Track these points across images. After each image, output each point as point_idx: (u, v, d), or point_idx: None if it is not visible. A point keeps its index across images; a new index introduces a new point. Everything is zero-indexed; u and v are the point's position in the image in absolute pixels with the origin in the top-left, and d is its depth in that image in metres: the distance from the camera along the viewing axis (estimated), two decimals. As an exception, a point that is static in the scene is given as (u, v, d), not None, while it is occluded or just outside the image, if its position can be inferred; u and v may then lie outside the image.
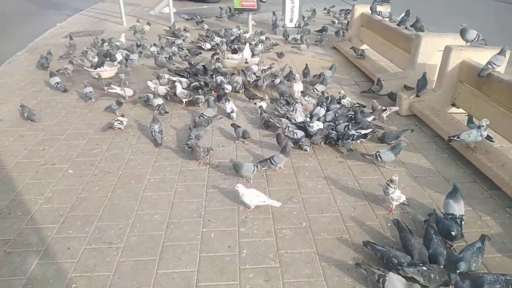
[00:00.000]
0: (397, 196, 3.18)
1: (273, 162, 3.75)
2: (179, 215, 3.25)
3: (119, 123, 4.58)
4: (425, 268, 2.49)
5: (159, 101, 5.07)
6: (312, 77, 5.94)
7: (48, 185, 3.67)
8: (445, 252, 2.68)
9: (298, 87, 5.33)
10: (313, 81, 5.76)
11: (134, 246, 2.94)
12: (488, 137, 3.95)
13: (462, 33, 4.75)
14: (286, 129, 4.35)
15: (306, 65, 6.27)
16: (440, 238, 2.79)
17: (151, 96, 5.17)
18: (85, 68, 6.34)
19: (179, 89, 5.20)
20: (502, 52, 4.17)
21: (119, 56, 6.56)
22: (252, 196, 3.25)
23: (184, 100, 5.22)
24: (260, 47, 7.26)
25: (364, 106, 4.96)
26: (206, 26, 9.24)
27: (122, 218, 3.23)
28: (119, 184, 3.68)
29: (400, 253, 2.67)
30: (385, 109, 4.73)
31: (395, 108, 4.88)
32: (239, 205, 3.36)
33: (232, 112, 4.89)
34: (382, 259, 2.69)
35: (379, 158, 3.83)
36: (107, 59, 6.34)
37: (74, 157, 4.14)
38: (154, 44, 7.60)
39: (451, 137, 3.89)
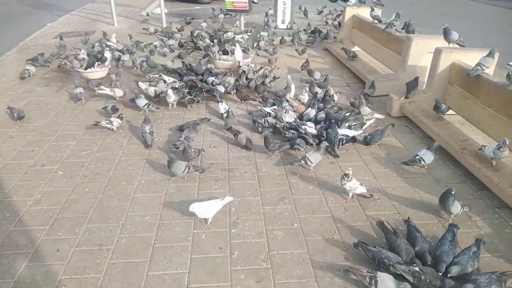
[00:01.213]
0: (350, 186, 3.32)
1: (308, 161, 3.76)
2: (170, 217, 3.23)
3: (107, 123, 4.53)
4: (417, 269, 2.50)
5: (143, 101, 5.02)
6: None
7: (37, 187, 3.63)
8: (428, 247, 2.75)
9: (292, 88, 5.36)
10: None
11: (124, 247, 2.92)
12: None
13: (446, 33, 4.80)
14: (284, 128, 4.37)
15: (307, 60, 6.49)
16: (423, 235, 2.85)
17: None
18: (75, 69, 6.29)
19: (171, 97, 5.13)
20: (490, 54, 4.22)
21: (108, 54, 6.50)
22: (210, 208, 3.12)
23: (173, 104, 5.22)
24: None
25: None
26: (204, 25, 9.17)
27: (112, 220, 3.20)
28: (110, 186, 3.65)
29: (392, 254, 2.68)
30: (362, 101, 4.80)
31: (380, 116, 4.76)
32: (231, 206, 3.35)
33: (226, 112, 4.87)
34: (373, 260, 2.69)
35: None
36: (98, 61, 6.28)
37: (64, 158, 4.10)
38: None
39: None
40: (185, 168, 3.61)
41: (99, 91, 5.50)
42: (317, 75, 5.58)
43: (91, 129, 4.68)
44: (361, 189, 3.37)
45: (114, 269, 2.73)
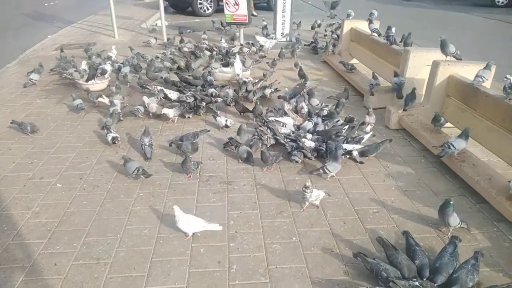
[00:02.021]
0: (315, 196, 3.40)
1: (326, 171, 3.84)
2: (169, 230, 3.23)
3: (109, 134, 4.55)
4: (417, 283, 2.49)
5: (118, 109, 5.18)
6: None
7: (35, 199, 3.63)
8: (428, 261, 2.74)
9: (287, 105, 5.35)
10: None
11: (122, 261, 2.91)
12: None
13: (443, 45, 4.85)
14: (284, 140, 4.40)
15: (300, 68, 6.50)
16: (422, 249, 2.84)
17: (139, 108, 5.25)
18: (76, 80, 6.33)
19: (171, 115, 5.14)
20: (487, 67, 4.26)
21: (108, 67, 6.54)
22: (190, 222, 3.09)
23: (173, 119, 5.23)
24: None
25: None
26: (205, 36, 9.23)
27: (110, 233, 3.19)
28: (108, 198, 3.64)
29: (391, 267, 2.67)
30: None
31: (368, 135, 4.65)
32: (229, 220, 3.34)
33: (226, 123, 4.93)
34: (371, 272, 2.68)
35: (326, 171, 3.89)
36: (99, 73, 6.32)
37: (63, 170, 4.10)
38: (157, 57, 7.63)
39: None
40: (135, 170, 3.80)
41: (100, 99, 5.52)
42: (314, 101, 5.53)
43: (91, 141, 4.69)
44: (322, 194, 3.47)
45: (111, 284, 2.71)
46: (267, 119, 4.87)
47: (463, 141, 3.88)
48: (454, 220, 3.09)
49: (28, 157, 4.35)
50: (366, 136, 4.46)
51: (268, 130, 4.57)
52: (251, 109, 5.32)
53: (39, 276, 2.78)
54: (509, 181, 3.35)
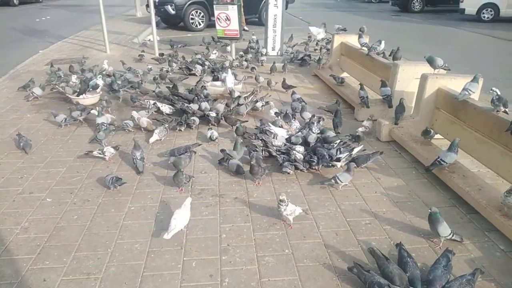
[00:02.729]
0: (291, 210, 3.34)
1: (338, 181, 3.91)
2: (160, 244, 3.19)
3: (99, 153, 4.50)
4: None
5: (103, 119, 5.16)
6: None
7: (25, 215, 3.58)
8: (420, 274, 2.74)
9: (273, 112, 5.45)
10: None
11: (113, 276, 2.87)
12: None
13: (430, 61, 4.95)
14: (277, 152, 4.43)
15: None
16: (414, 260, 2.84)
17: (128, 122, 5.26)
18: (67, 95, 6.31)
19: (154, 137, 5.01)
20: (475, 80, 4.34)
21: (100, 82, 6.54)
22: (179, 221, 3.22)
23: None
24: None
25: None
26: (198, 56, 9.19)
27: (101, 248, 3.15)
28: (99, 213, 3.61)
29: (384, 280, 2.66)
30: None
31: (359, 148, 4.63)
32: (221, 233, 3.33)
33: (211, 136, 4.93)
34: (365, 284, 2.68)
35: (338, 181, 3.95)
36: (90, 88, 6.31)
37: (53, 185, 4.06)
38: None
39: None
40: (110, 179, 3.87)
41: (92, 111, 5.50)
42: (306, 115, 5.58)
43: (81, 156, 4.66)
44: (298, 210, 3.41)
45: (102, 299, 2.67)
46: (263, 127, 4.93)
47: (454, 154, 3.91)
48: (444, 229, 3.11)
49: (17, 172, 4.30)
50: (357, 149, 4.49)
51: (260, 142, 4.59)
52: (241, 121, 5.34)
53: (27, 292, 2.73)
54: (503, 198, 3.27)
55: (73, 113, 5.49)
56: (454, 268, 2.87)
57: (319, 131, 4.92)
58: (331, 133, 4.91)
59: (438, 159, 3.95)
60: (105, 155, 4.51)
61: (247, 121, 5.48)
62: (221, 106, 5.72)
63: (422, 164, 4.38)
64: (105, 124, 5.04)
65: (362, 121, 5.44)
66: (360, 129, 4.98)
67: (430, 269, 2.76)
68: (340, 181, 3.94)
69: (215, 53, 9.32)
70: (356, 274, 2.76)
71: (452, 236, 3.15)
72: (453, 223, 3.45)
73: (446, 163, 3.92)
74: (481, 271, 2.74)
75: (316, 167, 4.28)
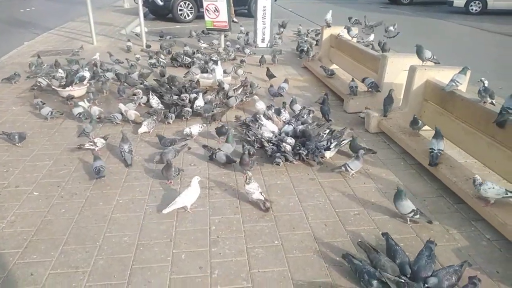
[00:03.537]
0: (249, 188, 3.50)
1: (348, 168, 3.99)
2: (149, 237, 3.18)
3: (91, 145, 4.45)
4: (402, 280, 2.52)
5: (80, 109, 5.19)
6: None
7: (11, 208, 3.52)
8: (408, 260, 2.79)
9: (260, 105, 5.39)
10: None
11: (101, 269, 2.85)
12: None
13: (418, 51, 4.97)
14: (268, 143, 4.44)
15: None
16: (402, 248, 2.88)
17: (116, 115, 5.21)
18: (53, 87, 6.21)
19: (143, 128, 4.93)
20: (463, 72, 4.37)
21: (87, 74, 6.44)
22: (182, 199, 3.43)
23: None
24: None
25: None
26: (187, 48, 9.07)
27: (89, 241, 3.12)
28: (87, 206, 3.57)
29: (373, 269, 2.68)
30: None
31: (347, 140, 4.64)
32: (211, 225, 3.32)
33: (190, 130, 4.78)
34: (355, 273, 2.71)
35: (348, 169, 4.02)
36: (77, 79, 6.22)
37: (39, 178, 4.00)
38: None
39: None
40: (94, 168, 3.92)
41: (79, 103, 5.43)
42: (296, 107, 5.56)
43: (68, 148, 4.60)
44: (258, 196, 3.49)
45: (90, 292, 2.65)
46: (257, 117, 4.95)
47: (441, 141, 4.00)
48: (402, 207, 3.31)
49: (3, 166, 4.24)
50: (346, 141, 4.51)
51: (250, 133, 4.59)
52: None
53: (14, 287, 2.69)
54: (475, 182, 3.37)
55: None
56: (441, 258, 2.91)
57: (311, 123, 4.93)
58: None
59: (433, 150, 3.98)
60: (97, 146, 4.47)
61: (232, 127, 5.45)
62: (210, 98, 5.67)
63: (410, 155, 4.42)
64: (82, 114, 5.13)
65: (351, 113, 5.46)
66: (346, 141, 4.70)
67: (415, 260, 2.79)
68: (351, 168, 4.00)
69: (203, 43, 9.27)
70: (348, 262, 2.79)
71: (414, 215, 3.28)
72: (441, 213, 3.49)
73: (442, 150, 3.99)
74: (469, 264, 2.77)
75: (306, 158, 4.28)
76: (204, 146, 4.48)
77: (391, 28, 7.47)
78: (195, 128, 4.81)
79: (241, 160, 4.02)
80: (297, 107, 5.46)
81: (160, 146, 4.56)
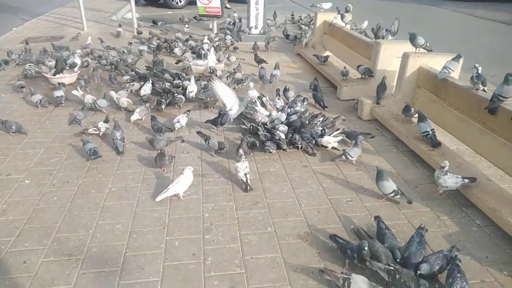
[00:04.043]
0: (240, 166, 3.62)
1: (348, 156, 4.01)
2: (142, 224, 3.18)
3: (95, 130, 4.47)
4: (392, 268, 2.55)
5: (60, 93, 5.29)
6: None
7: (2, 197, 3.50)
8: (397, 244, 2.84)
9: (253, 93, 5.32)
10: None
11: (94, 257, 2.85)
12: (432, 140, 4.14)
13: (412, 39, 4.96)
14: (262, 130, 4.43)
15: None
16: (392, 232, 2.92)
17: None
18: (43, 74, 6.13)
19: (135, 116, 4.86)
20: (456, 59, 4.37)
21: (77, 60, 6.36)
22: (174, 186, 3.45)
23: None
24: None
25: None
26: (179, 34, 8.91)
27: (82, 229, 3.12)
28: (79, 194, 3.55)
29: (355, 245, 2.73)
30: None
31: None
32: (204, 213, 3.32)
33: (178, 122, 4.66)
34: (340, 251, 2.79)
35: (349, 157, 4.03)
36: (68, 66, 6.14)
37: (31, 166, 3.97)
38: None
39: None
40: (88, 150, 4.00)
41: (73, 92, 5.37)
42: (290, 94, 5.53)
43: (60, 136, 4.56)
44: (241, 176, 3.61)
45: (84, 280, 2.65)
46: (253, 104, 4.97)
47: (428, 121, 4.12)
48: (385, 187, 3.41)
49: (-7, 154, 4.20)
50: (339, 130, 4.54)
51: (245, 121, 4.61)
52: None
53: (6, 274, 2.68)
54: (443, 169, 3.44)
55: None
56: (432, 243, 2.95)
57: (304, 110, 4.92)
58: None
59: (429, 133, 4.08)
60: (100, 131, 4.49)
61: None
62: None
63: (403, 142, 4.44)
64: (60, 98, 5.26)
65: (344, 100, 5.46)
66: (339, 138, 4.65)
67: (406, 246, 2.82)
68: (351, 156, 4.02)
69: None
70: (334, 242, 2.86)
71: (395, 195, 3.39)
72: (432, 199, 3.53)
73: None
74: (457, 249, 2.81)
75: (301, 148, 4.28)
76: (198, 133, 4.45)
77: (393, 27, 7.43)
78: (183, 119, 4.69)
79: (240, 146, 3.97)
80: (291, 94, 5.44)
81: (151, 130, 4.54)
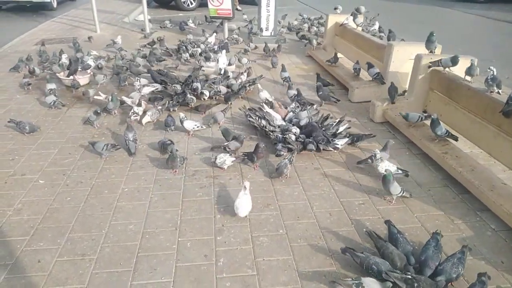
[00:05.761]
0: (222, 157, 3.89)
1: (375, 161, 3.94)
2: (154, 225, 3.20)
3: (135, 115, 4.78)
4: (409, 276, 2.50)
5: (52, 85, 5.46)
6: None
7: (17, 196, 3.55)
8: (411, 248, 2.82)
9: (264, 94, 5.37)
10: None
11: (107, 257, 2.87)
12: (452, 136, 4.17)
13: (429, 40, 4.89)
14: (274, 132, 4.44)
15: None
16: (405, 236, 2.90)
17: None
18: (57, 75, 6.20)
19: (146, 118, 4.92)
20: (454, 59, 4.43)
21: (91, 62, 6.43)
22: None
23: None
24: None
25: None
26: (190, 36, 8.98)
27: (95, 229, 3.15)
28: (92, 194, 3.59)
29: (380, 259, 2.68)
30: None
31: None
32: (216, 214, 3.33)
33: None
34: (361, 266, 2.69)
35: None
36: (81, 67, 6.21)
37: (45, 167, 4.02)
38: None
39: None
40: (104, 146, 4.08)
41: (96, 97, 5.46)
42: (290, 92, 5.54)
43: (73, 137, 4.61)
44: (228, 162, 3.89)
45: (97, 279, 2.68)
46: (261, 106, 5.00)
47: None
48: (395, 188, 3.42)
49: (8, 154, 4.25)
50: (341, 128, 4.52)
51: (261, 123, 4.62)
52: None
53: (22, 273, 2.72)
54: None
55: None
56: (446, 247, 2.91)
57: (315, 114, 4.92)
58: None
59: (443, 133, 4.12)
60: (139, 114, 4.89)
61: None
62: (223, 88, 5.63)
63: (416, 145, 4.40)
64: (53, 90, 5.45)
65: (356, 102, 5.44)
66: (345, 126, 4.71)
67: (422, 250, 2.79)
68: (381, 160, 3.93)
69: (208, 35, 9.12)
70: (351, 257, 2.77)
71: (402, 193, 3.45)
72: (446, 203, 3.49)
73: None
74: (469, 248, 2.77)
75: (320, 149, 4.27)
76: (212, 149, 4.37)
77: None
78: (190, 124, 4.66)
79: (256, 148, 3.92)
80: (291, 92, 5.48)
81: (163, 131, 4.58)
